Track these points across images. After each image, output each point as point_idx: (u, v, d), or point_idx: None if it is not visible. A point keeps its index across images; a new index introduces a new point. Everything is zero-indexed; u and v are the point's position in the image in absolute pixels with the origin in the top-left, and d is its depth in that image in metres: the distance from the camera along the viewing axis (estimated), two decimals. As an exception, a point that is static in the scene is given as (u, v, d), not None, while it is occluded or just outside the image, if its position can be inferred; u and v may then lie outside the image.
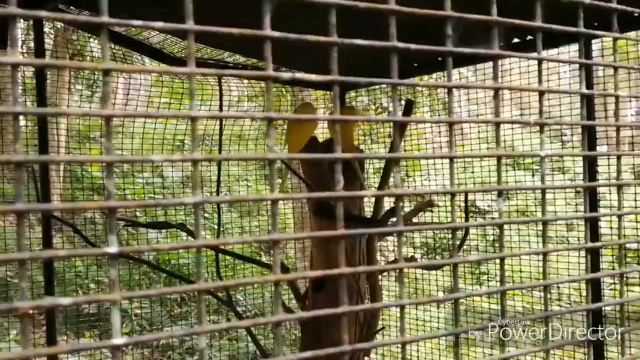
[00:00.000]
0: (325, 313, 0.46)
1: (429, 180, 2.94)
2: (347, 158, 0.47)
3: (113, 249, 0.38)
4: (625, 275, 0.66)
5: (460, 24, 0.53)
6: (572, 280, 0.54)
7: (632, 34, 2.02)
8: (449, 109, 0.51)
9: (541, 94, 0.57)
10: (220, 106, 2.54)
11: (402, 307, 0.50)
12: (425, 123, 3.02)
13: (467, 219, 2.17)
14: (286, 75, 0.45)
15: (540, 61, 0.58)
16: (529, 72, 2.45)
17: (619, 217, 0.72)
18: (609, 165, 2.28)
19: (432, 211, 2.59)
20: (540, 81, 0.58)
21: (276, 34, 0.44)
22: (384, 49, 0.48)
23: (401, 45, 0.48)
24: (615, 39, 0.65)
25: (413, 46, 0.49)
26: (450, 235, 2.83)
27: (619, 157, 0.67)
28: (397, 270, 0.49)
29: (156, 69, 0.44)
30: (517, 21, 0.53)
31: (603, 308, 2.04)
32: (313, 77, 0.46)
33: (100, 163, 0.38)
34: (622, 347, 0.54)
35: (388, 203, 2.14)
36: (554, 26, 0.57)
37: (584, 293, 2.21)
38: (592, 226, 2.07)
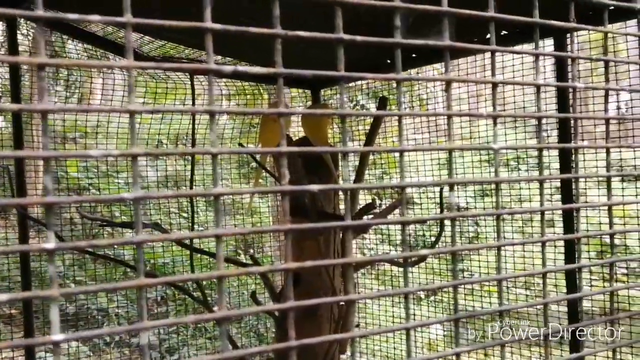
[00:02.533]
0: (266, 310, 0.46)
1: (410, 178, 2.93)
2: (293, 152, 0.47)
3: (51, 244, 0.38)
4: (590, 269, 0.66)
5: (410, 15, 0.53)
6: (528, 274, 0.54)
7: (618, 25, 2.01)
8: (398, 102, 0.51)
9: (494, 85, 0.57)
10: (193, 105, 2.53)
11: (352, 302, 0.49)
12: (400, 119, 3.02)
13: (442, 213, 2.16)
14: (228, 68, 0.45)
15: (493, 52, 0.58)
16: (504, 67, 2.45)
17: (577, 210, 0.72)
18: (584, 160, 2.29)
19: (408, 208, 2.58)
20: (493, 73, 0.58)
21: (217, 26, 0.43)
22: (331, 42, 0.47)
23: (347, 37, 0.48)
24: (571, 30, 0.65)
25: (359, 38, 0.48)
26: (429, 232, 2.83)
27: (575, 150, 0.67)
28: (347, 265, 0.49)
29: (94, 64, 0.43)
30: (467, 11, 0.53)
31: (579, 305, 2.05)
32: (256, 69, 0.46)
33: (38, 159, 0.37)
34: (575, 344, 0.55)
35: (363, 200, 2.13)
36: (506, 16, 0.57)
37: (562, 290, 2.22)
38: (568, 221, 2.08)
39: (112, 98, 2.75)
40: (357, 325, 2.14)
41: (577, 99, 0.66)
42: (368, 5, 0.49)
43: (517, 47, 2.18)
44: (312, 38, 0.47)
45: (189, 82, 2.64)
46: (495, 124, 0.56)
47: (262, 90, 2.97)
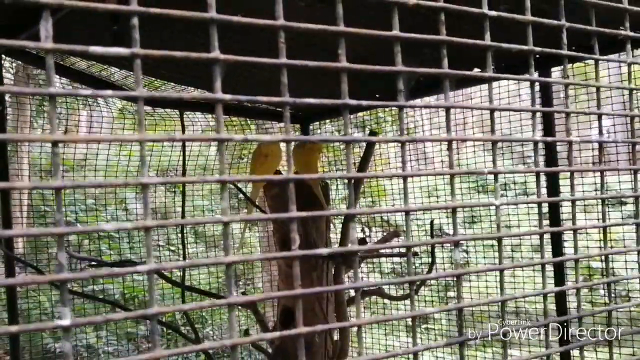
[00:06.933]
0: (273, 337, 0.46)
1: (394, 207, 2.90)
2: (301, 179, 0.47)
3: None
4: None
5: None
6: (531, 295, 0.54)
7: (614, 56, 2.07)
8: (400, 128, 0.52)
9: (492, 111, 0.59)
10: (183, 143, 2.53)
11: (347, 338, 0.49)
12: (389, 151, 3.06)
13: (433, 244, 2.17)
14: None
15: (490, 80, 0.59)
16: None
17: (575, 232, 0.73)
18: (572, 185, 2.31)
19: (398, 240, 2.60)
20: (491, 100, 0.59)
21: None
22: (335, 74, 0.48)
23: (352, 65, 0.48)
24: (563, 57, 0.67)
25: (362, 66, 0.49)
26: (418, 261, 2.83)
27: (571, 174, 0.68)
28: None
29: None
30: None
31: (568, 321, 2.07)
32: (265, 98, 0.46)
33: (51, 189, 0.37)
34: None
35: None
36: (504, 45, 0.58)
37: (543, 307, 2.24)
38: (557, 246, 2.10)
39: (100, 131, 2.75)
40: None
41: (563, 124, 0.67)
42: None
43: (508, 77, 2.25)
44: (318, 67, 0.47)
45: (177, 117, 2.65)
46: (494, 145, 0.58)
47: (249, 122, 2.98)
